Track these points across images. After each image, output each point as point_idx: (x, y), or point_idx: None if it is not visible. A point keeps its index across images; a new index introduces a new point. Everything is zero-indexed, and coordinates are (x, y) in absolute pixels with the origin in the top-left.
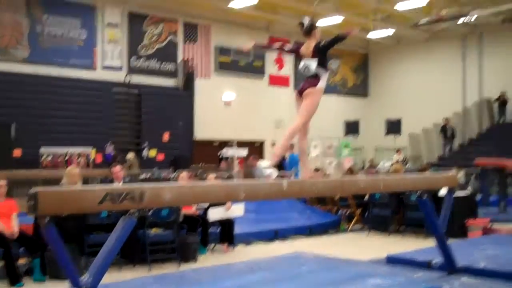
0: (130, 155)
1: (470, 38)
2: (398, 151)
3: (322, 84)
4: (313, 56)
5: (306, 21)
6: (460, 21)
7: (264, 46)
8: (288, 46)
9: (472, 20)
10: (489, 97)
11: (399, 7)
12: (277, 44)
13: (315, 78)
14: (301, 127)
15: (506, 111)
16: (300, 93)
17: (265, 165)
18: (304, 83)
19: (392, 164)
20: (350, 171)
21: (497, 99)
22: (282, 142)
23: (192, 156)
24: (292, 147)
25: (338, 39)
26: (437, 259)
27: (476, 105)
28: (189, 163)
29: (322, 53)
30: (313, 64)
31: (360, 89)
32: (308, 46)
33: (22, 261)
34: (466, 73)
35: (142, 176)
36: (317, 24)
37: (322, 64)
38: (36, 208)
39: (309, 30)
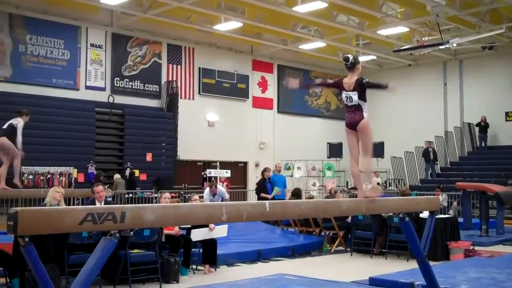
0: (117, 176)
1: (451, 64)
2: (375, 173)
3: (366, 114)
4: (354, 89)
5: (351, 57)
6: (441, 48)
7: (308, 85)
8: (330, 81)
9: (454, 45)
10: (470, 121)
11: (381, 33)
12: (318, 80)
13: (358, 109)
14: (370, 159)
15: (487, 136)
16: (349, 126)
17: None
18: (349, 115)
19: None
20: (331, 193)
21: (478, 124)
22: (359, 183)
23: (175, 176)
24: (279, 169)
25: (380, 86)
26: (420, 281)
27: (458, 129)
28: (172, 183)
29: (362, 88)
30: (354, 96)
31: (343, 113)
32: (350, 79)
33: (1, 281)
34: (447, 98)
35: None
36: (359, 60)
37: (362, 97)
38: (16, 228)
39: (353, 65)
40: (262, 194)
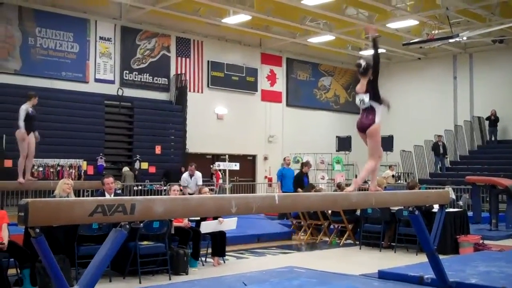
0: (125, 168)
1: (460, 58)
2: (390, 167)
3: (378, 119)
4: (366, 91)
5: (363, 63)
6: (451, 41)
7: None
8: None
9: (464, 39)
10: (480, 115)
11: (390, 26)
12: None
13: (371, 112)
14: (374, 163)
15: (497, 129)
16: (360, 129)
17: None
18: (362, 118)
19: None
20: (339, 187)
21: (488, 118)
22: (362, 175)
23: (184, 170)
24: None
25: (376, 54)
26: (429, 274)
27: (468, 123)
28: (181, 176)
29: (373, 85)
30: (366, 98)
31: (352, 106)
32: (363, 83)
33: (12, 272)
34: (457, 92)
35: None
36: (371, 64)
37: (375, 98)
38: (27, 219)
39: (366, 71)
40: (299, 189)
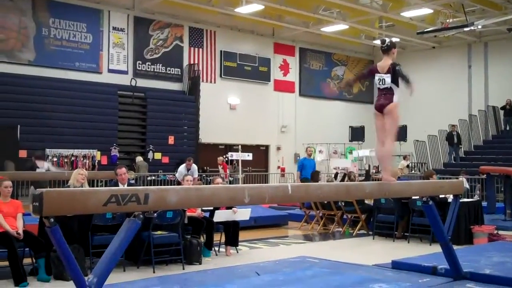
0: (139, 158)
1: (475, 47)
2: (405, 157)
3: (396, 98)
4: (388, 72)
5: (387, 40)
6: (465, 30)
7: (350, 84)
8: (365, 71)
9: (479, 27)
10: (495, 104)
11: (404, 15)
12: (355, 77)
13: (389, 92)
14: (393, 142)
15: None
16: (378, 109)
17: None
18: (379, 98)
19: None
20: (349, 177)
21: (503, 107)
22: (385, 165)
23: (197, 160)
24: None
25: (407, 81)
26: (443, 265)
27: (482, 113)
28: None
29: (395, 74)
30: (387, 78)
31: (366, 96)
32: (385, 63)
33: (27, 261)
34: (471, 81)
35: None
36: (396, 45)
37: (395, 81)
38: (41, 209)
39: (388, 48)
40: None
